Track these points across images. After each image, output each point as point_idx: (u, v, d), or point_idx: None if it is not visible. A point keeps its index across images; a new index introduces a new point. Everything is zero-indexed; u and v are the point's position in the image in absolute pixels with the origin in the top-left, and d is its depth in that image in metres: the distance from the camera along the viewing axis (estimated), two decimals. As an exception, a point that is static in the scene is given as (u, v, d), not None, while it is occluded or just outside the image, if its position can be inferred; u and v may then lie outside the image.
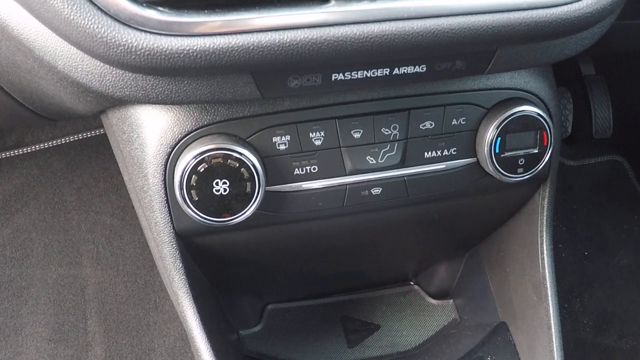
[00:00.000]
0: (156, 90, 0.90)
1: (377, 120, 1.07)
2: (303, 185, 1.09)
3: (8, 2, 0.87)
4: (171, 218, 1.08)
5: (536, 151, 1.14)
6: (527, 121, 1.11)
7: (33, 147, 1.93)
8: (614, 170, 2.16)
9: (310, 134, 1.05)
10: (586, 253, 2.01)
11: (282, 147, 1.05)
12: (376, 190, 1.12)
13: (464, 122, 1.11)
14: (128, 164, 1.09)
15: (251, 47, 0.82)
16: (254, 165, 1.01)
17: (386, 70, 0.95)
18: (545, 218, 1.29)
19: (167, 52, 0.80)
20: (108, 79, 0.89)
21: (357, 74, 0.94)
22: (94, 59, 0.87)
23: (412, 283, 1.71)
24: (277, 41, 0.82)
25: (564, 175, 2.10)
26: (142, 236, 1.85)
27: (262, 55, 0.82)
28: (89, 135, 1.95)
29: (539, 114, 1.11)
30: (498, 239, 1.44)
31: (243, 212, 1.04)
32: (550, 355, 1.29)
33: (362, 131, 1.07)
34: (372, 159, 1.09)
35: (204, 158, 0.99)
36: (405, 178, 1.12)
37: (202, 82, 0.90)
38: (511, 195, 1.28)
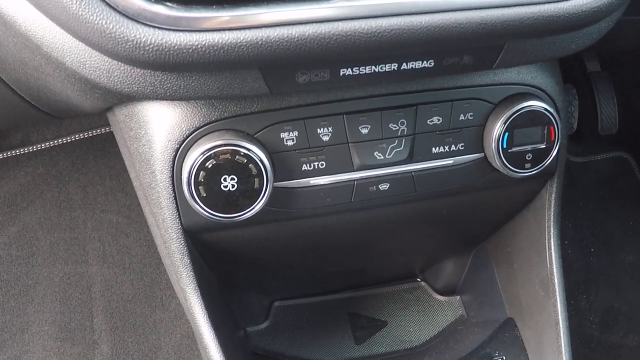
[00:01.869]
0: (164, 86, 0.90)
1: (385, 116, 1.07)
2: (311, 181, 1.09)
3: (16, -2, 0.88)
4: (179, 214, 1.08)
5: (543, 146, 1.13)
6: (534, 116, 1.11)
7: (39, 146, 1.93)
8: (620, 166, 2.16)
9: (318, 129, 1.05)
10: (592, 250, 2.01)
11: (290, 142, 1.05)
12: (384, 186, 1.12)
13: (472, 118, 1.11)
14: (135, 160, 1.09)
15: (259, 43, 0.82)
16: (262, 161, 1.01)
17: (394, 66, 0.94)
18: (552, 213, 1.29)
19: (176, 47, 0.80)
20: (116, 75, 0.89)
21: (365, 69, 0.94)
22: (102, 55, 0.87)
23: (419, 279, 1.71)
24: (285, 36, 0.82)
25: (570, 172, 2.10)
26: (148, 234, 1.86)
27: (270, 50, 0.83)
28: (94, 134, 1.96)
29: (546, 109, 1.11)
30: (505, 234, 1.44)
31: (251, 208, 1.04)
32: (558, 351, 1.29)
33: (369, 127, 1.07)
34: (379, 154, 1.09)
35: (212, 154, 0.99)
36: (412, 173, 1.12)
37: (210, 77, 0.90)
38: (518, 191, 1.28)
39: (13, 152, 1.92)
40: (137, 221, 1.88)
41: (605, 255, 2.01)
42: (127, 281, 1.83)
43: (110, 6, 0.78)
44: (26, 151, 1.93)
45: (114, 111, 1.10)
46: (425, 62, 0.96)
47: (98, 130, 1.96)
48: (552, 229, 1.30)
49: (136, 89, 0.91)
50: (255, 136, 1.03)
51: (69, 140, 1.94)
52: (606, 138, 2.07)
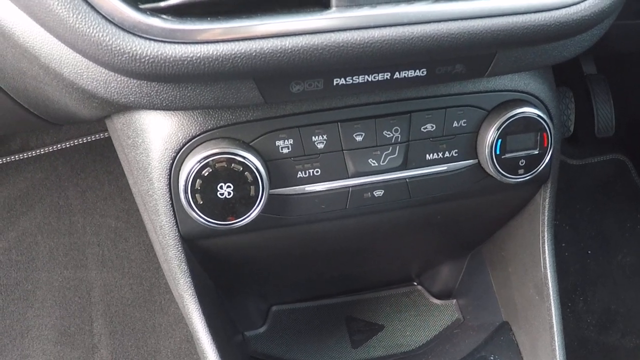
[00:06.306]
0: (160, 97, 0.91)
1: (379, 123, 1.08)
2: (306, 188, 1.09)
3: (14, 10, 0.88)
4: (176, 221, 1.09)
5: (536, 152, 1.14)
6: (527, 123, 1.12)
7: (38, 151, 1.94)
8: (617, 169, 2.16)
9: (313, 137, 1.06)
10: (589, 252, 2.01)
11: (285, 150, 1.06)
12: (378, 193, 1.13)
13: (465, 124, 1.12)
14: (133, 168, 1.10)
15: (254, 54, 0.83)
16: (257, 169, 1.02)
17: (387, 75, 0.95)
18: (546, 218, 1.30)
19: (171, 59, 0.81)
20: (113, 86, 0.90)
21: (358, 78, 0.95)
22: (99, 67, 0.88)
23: (415, 283, 1.72)
24: (279, 47, 0.83)
25: (567, 175, 2.10)
26: (147, 238, 1.87)
27: (264, 61, 0.83)
28: (93, 139, 1.96)
29: (539, 116, 1.12)
30: (500, 239, 1.45)
31: (247, 215, 1.05)
32: (552, 354, 1.30)
33: (364, 134, 1.08)
34: (374, 161, 1.10)
35: (208, 162, 1.00)
36: (407, 180, 1.13)
37: (206, 88, 0.91)
38: (512, 196, 1.29)
39: (12, 157, 1.93)
40: (136, 226, 1.89)
41: (602, 257, 2.01)
42: (126, 285, 1.84)
43: (107, 19, 0.79)
44: (25, 156, 1.94)
45: (112, 119, 1.11)
46: (417, 71, 0.96)
47: (97, 136, 1.96)
48: (545, 233, 1.31)
49: (132, 99, 0.92)
50: (250, 144, 1.04)
51: (68, 146, 1.95)
52: (603, 141, 2.07)
